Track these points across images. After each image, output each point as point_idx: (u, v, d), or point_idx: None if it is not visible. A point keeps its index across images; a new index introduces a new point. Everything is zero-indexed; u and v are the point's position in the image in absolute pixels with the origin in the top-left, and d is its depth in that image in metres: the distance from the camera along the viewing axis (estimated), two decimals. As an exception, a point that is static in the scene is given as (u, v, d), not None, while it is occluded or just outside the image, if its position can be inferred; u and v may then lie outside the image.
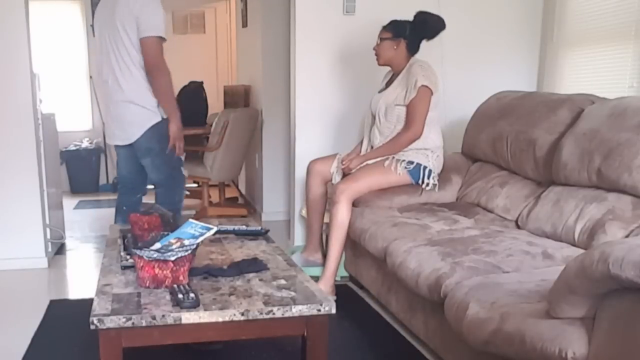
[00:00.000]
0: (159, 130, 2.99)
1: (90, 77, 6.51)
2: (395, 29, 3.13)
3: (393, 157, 3.12)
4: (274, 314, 1.76)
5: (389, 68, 3.25)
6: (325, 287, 3.02)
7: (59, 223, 4.19)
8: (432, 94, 3.05)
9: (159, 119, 3.00)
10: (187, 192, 3.59)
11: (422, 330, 2.43)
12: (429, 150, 3.13)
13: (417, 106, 3.04)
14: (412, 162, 3.10)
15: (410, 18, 3.13)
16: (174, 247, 1.88)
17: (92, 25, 6.33)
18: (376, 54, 3.20)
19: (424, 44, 3.17)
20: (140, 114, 2.95)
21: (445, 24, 3.08)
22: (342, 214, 3.03)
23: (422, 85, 3.01)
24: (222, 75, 6.85)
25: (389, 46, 3.14)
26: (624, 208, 2.25)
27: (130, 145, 3.05)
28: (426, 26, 3.11)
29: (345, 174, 3.24)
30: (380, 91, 3.27)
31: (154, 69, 2.89)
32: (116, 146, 3.18)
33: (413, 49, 3.15)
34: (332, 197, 3.13)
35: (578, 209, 2.41)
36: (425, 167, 3.12)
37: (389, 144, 3.13)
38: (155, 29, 2.85)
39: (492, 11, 3.91)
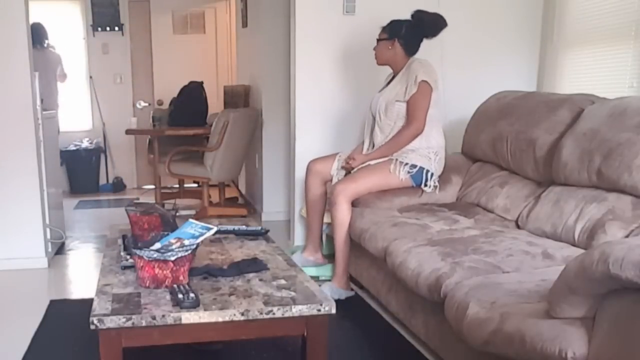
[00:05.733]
0: None
1: (90, 77, 6.51)
2: (390, 30, 3.12)
3: (396, 160, 3.09)
4: (274, 314, 1.76)
5: (390, 69, 3.24)
6: (339, 283, 3.08)
7: (59, 223, 4.19)
8: (432, 90, 3.04)
9: None
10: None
11: (422, 330, 2.43)
12: (432, 150, 3.11)
13: (418, 101, 3.03)
14: (415, 166, 3.08)
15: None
16: (174, 247, 1.88)
17: (92, 26, 6.38)
18: (375, 55, 3.20)
19: (425, 44, 3.16)
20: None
21: (446, 22, 3.05)
22: (341, 214, 3.03)
23: (423, 81, 3.00)
24: (222, 75, 6.84)
25: (384, 46, 3.14)
26: (624, 208, 2.25)
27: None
28: (423, 25, 3.08)
29: (346, 172, 3.24)
30: (380, 90, 3.27)
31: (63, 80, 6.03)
32: None
33: (410, 49, 3.12)
34: (330, 197, 3.13)
35: (578, 209, 2.41)
36: (427, 171, 3.10)
37: (391, 141, 3.11)
38: (64, 71, 5.98)
39: (492, 11, 3.91)
